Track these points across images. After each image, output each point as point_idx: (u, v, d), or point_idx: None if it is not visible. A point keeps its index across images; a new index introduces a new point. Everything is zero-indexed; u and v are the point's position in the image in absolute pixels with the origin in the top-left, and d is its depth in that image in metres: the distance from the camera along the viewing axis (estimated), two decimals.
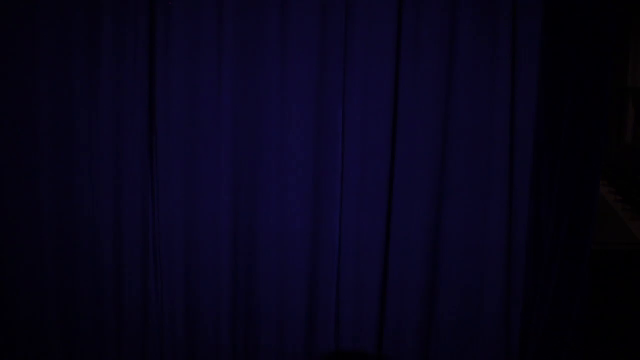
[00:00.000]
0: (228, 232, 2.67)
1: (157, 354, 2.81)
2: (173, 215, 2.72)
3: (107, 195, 2.71)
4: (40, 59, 2.64)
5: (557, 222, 2.64)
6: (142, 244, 2.75)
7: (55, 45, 2.63)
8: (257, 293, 2.72)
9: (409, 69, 2.59)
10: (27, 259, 2.76)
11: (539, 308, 2.69)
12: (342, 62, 2.58)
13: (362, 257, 2.69)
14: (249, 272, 2.72)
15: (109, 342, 2.79)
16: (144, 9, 2.59)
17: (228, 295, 2.71)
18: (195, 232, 2.73)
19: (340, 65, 2.59)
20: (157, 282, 2.77)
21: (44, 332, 2.80)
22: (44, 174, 2.70)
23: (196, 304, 2.77)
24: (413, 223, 2.66)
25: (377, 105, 2.60)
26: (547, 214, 2.64)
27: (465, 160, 2.62)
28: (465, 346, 2.73)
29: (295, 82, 2.58)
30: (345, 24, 2.57)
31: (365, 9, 2.56)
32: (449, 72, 2.57)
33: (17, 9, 2.62)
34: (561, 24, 2.54)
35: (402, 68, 2.59)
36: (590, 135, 2.59)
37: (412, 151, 2.64)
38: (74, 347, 2.83)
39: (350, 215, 2.68)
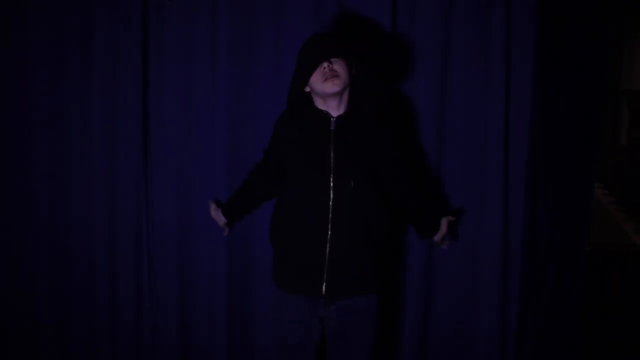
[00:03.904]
0: (222, 232, 2.67)
1: (152, 353, 2.81)
2: (167, 215, 2.72)
3: (100, 196, 2.71)
4: (34, 59, 2.64)
5: (552, 224, 2.65)
6: (136, 244, 2.75)
7: (48, 47, 2.63)
8: (252, 292, 2.73)
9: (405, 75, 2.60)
10: (20, 259, 2.76)
11: (534, 310, 2.70)
12: None
13: None
14: (244, 270, 2.72)
15: (102, 342, 2.79)
16: (137, 10, 2.59)
17: (223, 295, 2.70)
18: (190, 232, 2.73)
19: None
20: (150, 283, 2.77)
21: (37, 332, 2.79)
22: (37, 174, 2.70)
23: (190, 304, 2.77)
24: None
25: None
26: (542, 216, 2.65)
27: (460, 162, 2.62)
28: (461, 348, 2.73)
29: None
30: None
31: (358, 13, 2.56)
32: (443, 73, 2.58)
33: (9, 11, 2.62)
34: (556, 24, 2.54)
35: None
36: (585, 136, 2.59)
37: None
38: (67, 347, 2.82)
39: None
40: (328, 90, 2.05)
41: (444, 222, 2.29)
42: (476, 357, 2.71)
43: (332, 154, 2.07)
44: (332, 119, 2.10)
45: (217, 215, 2.43)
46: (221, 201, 2.49)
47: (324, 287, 2.09)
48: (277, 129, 2.21)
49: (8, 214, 2.74)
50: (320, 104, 2.11)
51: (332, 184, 2.06)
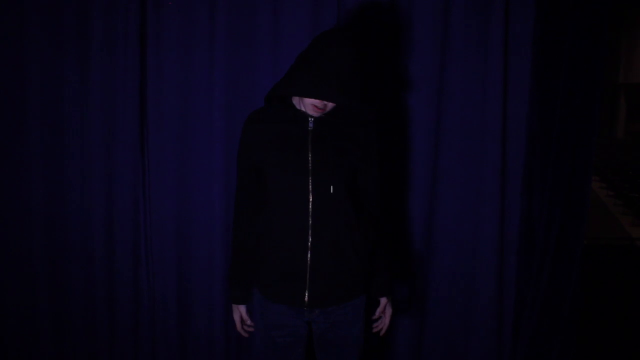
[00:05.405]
0: (220, 226, 2.67)
1: (149, 346, 2.82)
2: (165, 209, 2.71)
3: (98, 190, 2.70)
4: (30, 53, 2.62)
5: (549, 218, 2.66)
6: (134, 242, 2.75)
7: (44, 40, 2.62)
8: None
9: (402, 69, 2.60)
10: (17, 257, 2.75)
11: (531, 304, 2.72)
12: None
13: None
14: None
15: (100, 338, 2.79)
16: (134, 4, 2.58)
17: (221, 293, 2.71)
18: (188, 226, 2.73)
19: None
20: (149, 281, 2.77)
21: (34, 326, 2.79)
22: (34, 171, 2.69)
23: (188, 297, 2.77)
24: (405, 217, 2.68)
25: None
26: (539, 210, 2.66)
27: (457, 158, 2.63)
28: (458, 341, 2.75)
29: None
30: (337, 23, 2.57)
31: (356, 8, 2.56)
32: (440, 71, 2.58)
33: (4, 5, 2.61)
34: (554, 19, 2.54)
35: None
36: (582, 130, 2.60)
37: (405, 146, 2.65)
38: (65, 340, 2.82)
39: None
40: (311, 113, 1.92)
41: (383, 303, 2.18)
42: (473, 350, 2.72)
43: (310, 156, 1.93)
44: (310, 119, 1.95)
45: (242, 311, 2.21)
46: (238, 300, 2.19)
47: (306, 296, 1.97)
48: (248, 132, 2.02)
49: (5, 211, 2.74)
50: (298, 104, 1.97)
51: (310, 188, 1.92)
